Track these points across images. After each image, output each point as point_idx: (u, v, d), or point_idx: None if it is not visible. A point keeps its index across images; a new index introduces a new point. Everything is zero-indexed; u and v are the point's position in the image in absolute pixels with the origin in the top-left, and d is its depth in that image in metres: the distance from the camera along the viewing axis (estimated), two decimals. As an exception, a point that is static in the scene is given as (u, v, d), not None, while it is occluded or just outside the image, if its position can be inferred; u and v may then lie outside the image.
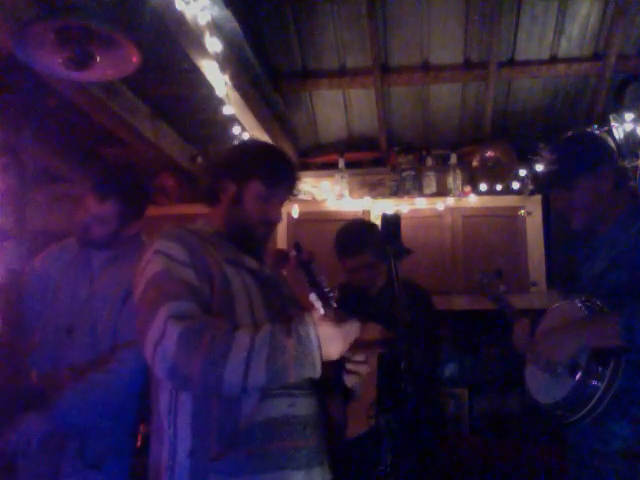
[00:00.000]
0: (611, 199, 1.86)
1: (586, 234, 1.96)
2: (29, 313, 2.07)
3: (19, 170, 1.80)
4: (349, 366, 1.50)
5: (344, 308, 1.38)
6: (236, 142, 3.06)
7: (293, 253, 1.48)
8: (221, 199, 1.64)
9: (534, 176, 3.57)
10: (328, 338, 1.33)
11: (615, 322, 1.61)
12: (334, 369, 1.50)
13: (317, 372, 1.33)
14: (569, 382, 1.68)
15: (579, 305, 1.77)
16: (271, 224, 1.66)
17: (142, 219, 2.13)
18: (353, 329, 1.36)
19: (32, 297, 2.07)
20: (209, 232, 1.61)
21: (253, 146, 1.83)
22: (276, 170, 1.63)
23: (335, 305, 1.36)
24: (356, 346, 1.44)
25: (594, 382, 1.65)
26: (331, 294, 1.37)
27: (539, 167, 3.47)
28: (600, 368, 1.65)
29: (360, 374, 1.51)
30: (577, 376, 1.67)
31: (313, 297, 1.36)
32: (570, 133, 2.06)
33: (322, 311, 1.34)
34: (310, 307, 1.37)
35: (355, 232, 2.60)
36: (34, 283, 2.10)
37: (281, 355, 1.30)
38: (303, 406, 1.48)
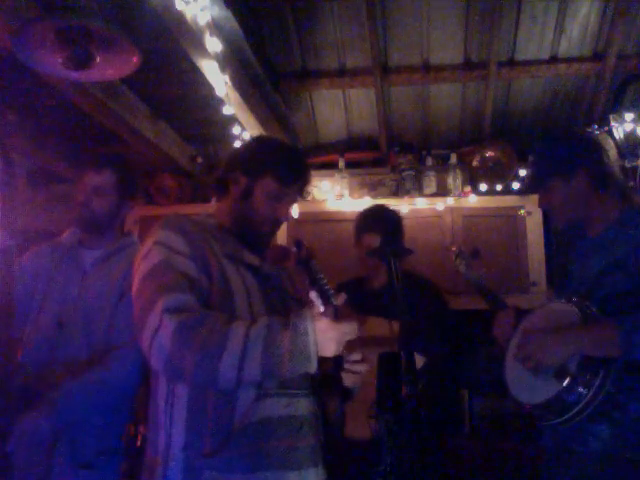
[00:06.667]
0: (593, 200, 1.84)
1: (574, 234, 1.94)
2: (17, 308, 1.99)
3: (6, 166, 1.77)
4: (346, 365, 1.49)
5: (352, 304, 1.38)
6: (236, 142, 3.06)
7: (294, 249, 1.47)
8: (231, 191, 1.61)
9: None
10: (325, 334, 1.32)
11: (615, 333, 1.59)
12: (333, 368, 1.49)
13: (312, 367, 1.32)
14: (555, 386, 1.65)
15: (572, 307, 1.74)
16: (278, 223, 1.63)
17: (134, 205, 2.20)
18: (351, 329, 1.35)
19: (21, 292, 2.03)
20: (212, 225, 1.59)
21: (270, 142, 1.78)
22: (291, 170, 1.60)
23: (336, 303, 1.36)
24: (358, 344, 1.44)
25: (581, 389, 1.62)
26: (331, 292, 1.37)
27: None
28: (589, 376, 1.62)
29: (358, 373, 1.50)
30: (565, 382, 1.64)
31: (313, 295, 1.35)
32: (550, 136, 2.05)
33: (322, 308, 1.34)
34: (310, 304, 1.37)
35: (385, 211, 2.64)
36: (23, 278, 2.06)
37: (276, 349, 1.29)
38: (300, 406, 1.47)
